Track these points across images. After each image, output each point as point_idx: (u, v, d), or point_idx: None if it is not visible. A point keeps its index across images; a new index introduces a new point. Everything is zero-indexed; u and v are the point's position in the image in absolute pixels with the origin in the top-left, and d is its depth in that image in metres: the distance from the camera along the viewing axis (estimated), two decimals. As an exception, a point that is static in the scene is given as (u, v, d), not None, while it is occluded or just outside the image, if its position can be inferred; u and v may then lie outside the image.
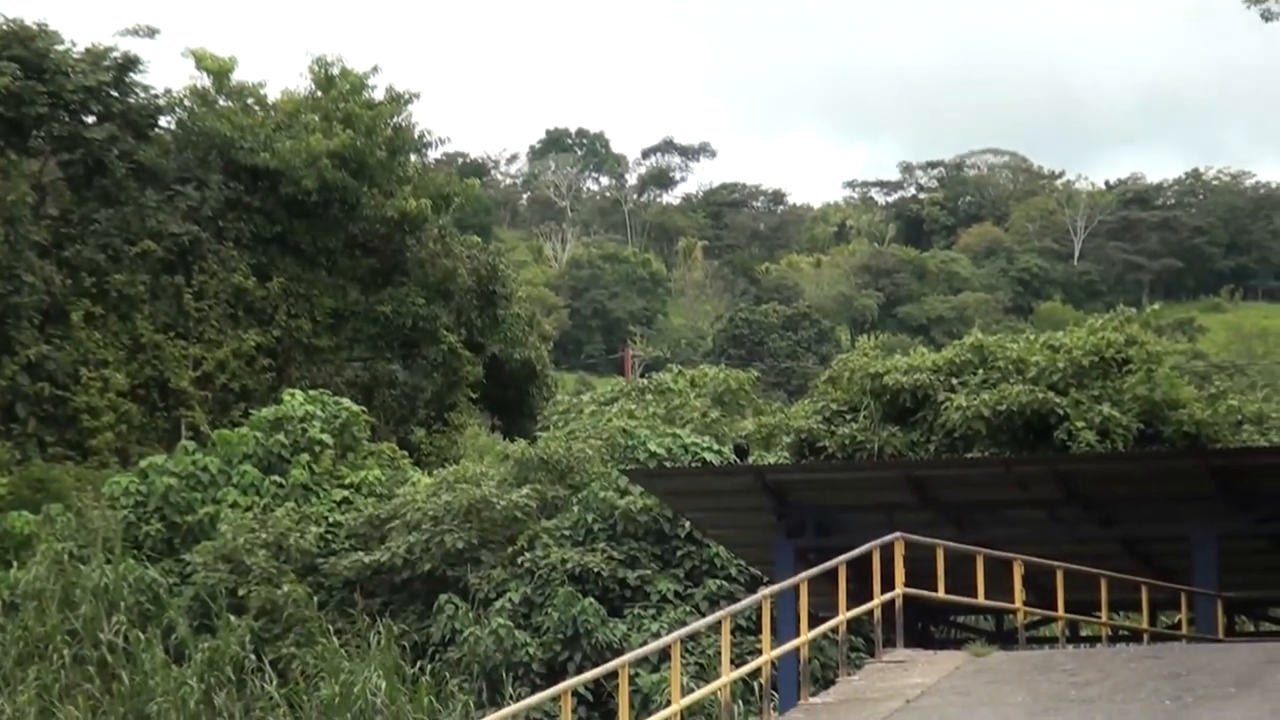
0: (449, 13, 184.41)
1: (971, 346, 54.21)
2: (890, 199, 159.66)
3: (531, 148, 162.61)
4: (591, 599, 45.60)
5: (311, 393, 54.59)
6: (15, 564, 49.34)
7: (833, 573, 30.53)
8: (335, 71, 64.84)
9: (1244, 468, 41.11)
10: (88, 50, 61.95)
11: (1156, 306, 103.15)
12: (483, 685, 44.51)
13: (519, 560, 47.02)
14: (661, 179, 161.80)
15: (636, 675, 31.29)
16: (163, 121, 63.52)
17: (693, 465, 49.05)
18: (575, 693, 26.66)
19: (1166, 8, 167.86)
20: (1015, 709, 27.31)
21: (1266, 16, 55.76)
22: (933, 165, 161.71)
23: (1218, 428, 52.01)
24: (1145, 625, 37.99)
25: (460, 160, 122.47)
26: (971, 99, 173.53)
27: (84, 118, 61.22)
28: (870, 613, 31.08)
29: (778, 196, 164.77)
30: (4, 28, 60.59)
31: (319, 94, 64.60)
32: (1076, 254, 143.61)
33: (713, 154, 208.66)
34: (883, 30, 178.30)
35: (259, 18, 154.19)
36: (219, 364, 60.44)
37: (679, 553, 46.97)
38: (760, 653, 30.58)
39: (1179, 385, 53.00)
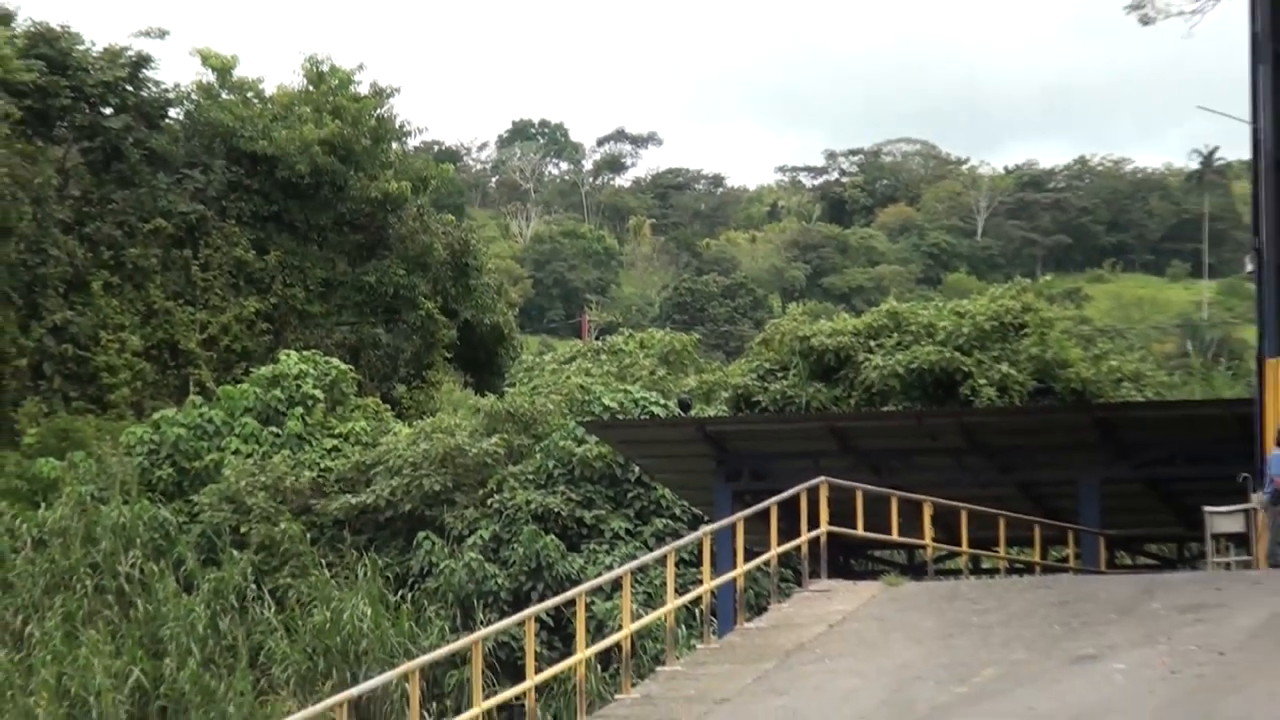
0: (426, 15, 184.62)
1: (887, 313, 54.30)
2: (816, 182, 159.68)
3: (499, 136, 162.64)
4: (552, 536, 45.56)
5: (304, 353, 54.49)
6: (43, 504, 49.24)
7: (765, 513, 30.40)
8: (325, 68, 64.60)
9: (1123, 420, 41.21)
10: (106, 49, 61.68)
11: (1048, 278, 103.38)
12: (457, 612, 44.47)
13: (488, 501, 46.96)
14: (614, 164, 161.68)
15: (592, 603, 31.23)
16: (172, 112, 63.30)
17: (642, 417, 48.99)
18: (538, 619, 26.50)
19: (1061, 13, 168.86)
20: (924, 633, 27.27)
21: (1144, 21, 55.84)
22: (854, 153, 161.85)
23: (1101, 385, 52.13)
24: (1038, 559, 37.91)
25: (436, 147, 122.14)
26: (889, 93, 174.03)
27: (102, 109, 60.98)
28: (798, 548, 30.94)
29: (717, 180, 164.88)
30: (32, 30, 60.37)
31: (311, 88, 64.35)
32: (979, 231, 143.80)
33: (660, 142, 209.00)
34: (812, 30, 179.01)
35: (258, 19, 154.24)
36: (223, 328, 60.22)
37: (629, 495, 46.91)
38: (701, 583, 30.44)
39: (1068, 347, 53.09)
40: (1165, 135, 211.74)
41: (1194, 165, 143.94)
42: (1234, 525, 33.90)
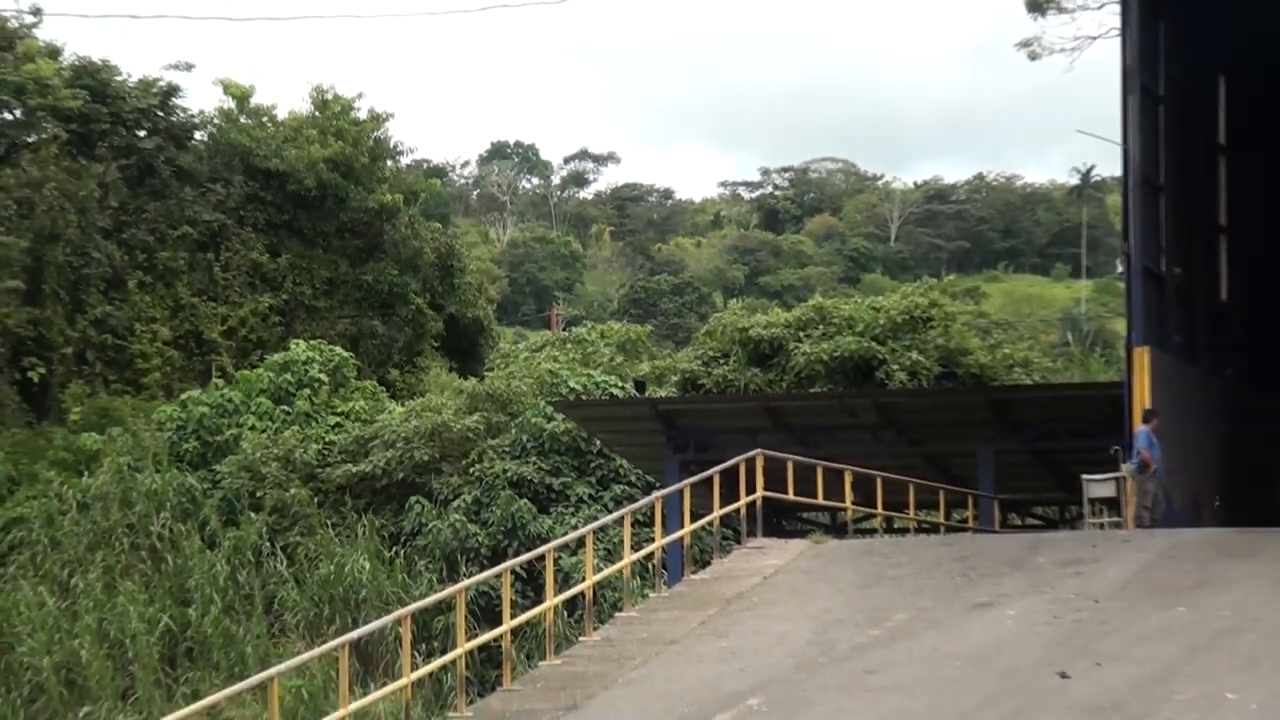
0: (418, 49, 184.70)
1: (814, 308, 54.38)
2: (753, 195, 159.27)
3: (480, 155, 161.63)
4: (525, 500, 45.53)
5: (311, 342, 54.42)
6: (86, 473, 49.16)
7: (709, 480, 30.44)
8: (329, 96, 64.39)
9: (1014, 400, 41.40)
10: (140, 80, 61.47)
11: (951, 278, 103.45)
12: (443, 566, 44.43)
13: (470, 470, 46.91)
14: (578, 180, 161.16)
15: (560, 558, 31.29)
16: (197, 134, 63.03)
17: (602, 398, 48.98)
18: (513, 572, 26.50)
19: (963, 48, 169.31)
20: (845, 583, 27.34)
21: (1033, 56, 56.15)
22: (785, 170, 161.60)
23: (995, 369, 52.34)
24: (942, 520, 38.06)
25: (425, 165, 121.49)
26: (816, 118, 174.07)
27: (137, 132, 60.77)
28: (737, 510, 30.99)
29: (667, 193, 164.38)
30: (76, 63, 60.16)
31: (317, 113, 64.13)
32: (893, 237, 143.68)
33: (618, 160, 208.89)
34: (748, 62, 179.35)
35: (272, 53, 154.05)
36: (241, 320, 60.05)
37: (592, 464, 46.89)
38: (653, 541, 30.46)
39: (967, 337, 53.28)
40: (1050, 155, 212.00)
41: (1074, 181, 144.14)
42: (1107, 491, 34.07)
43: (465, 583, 26.81)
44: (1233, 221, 41.63)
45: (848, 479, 34.22)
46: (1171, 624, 23.51)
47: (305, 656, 25.45)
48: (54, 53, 59.94)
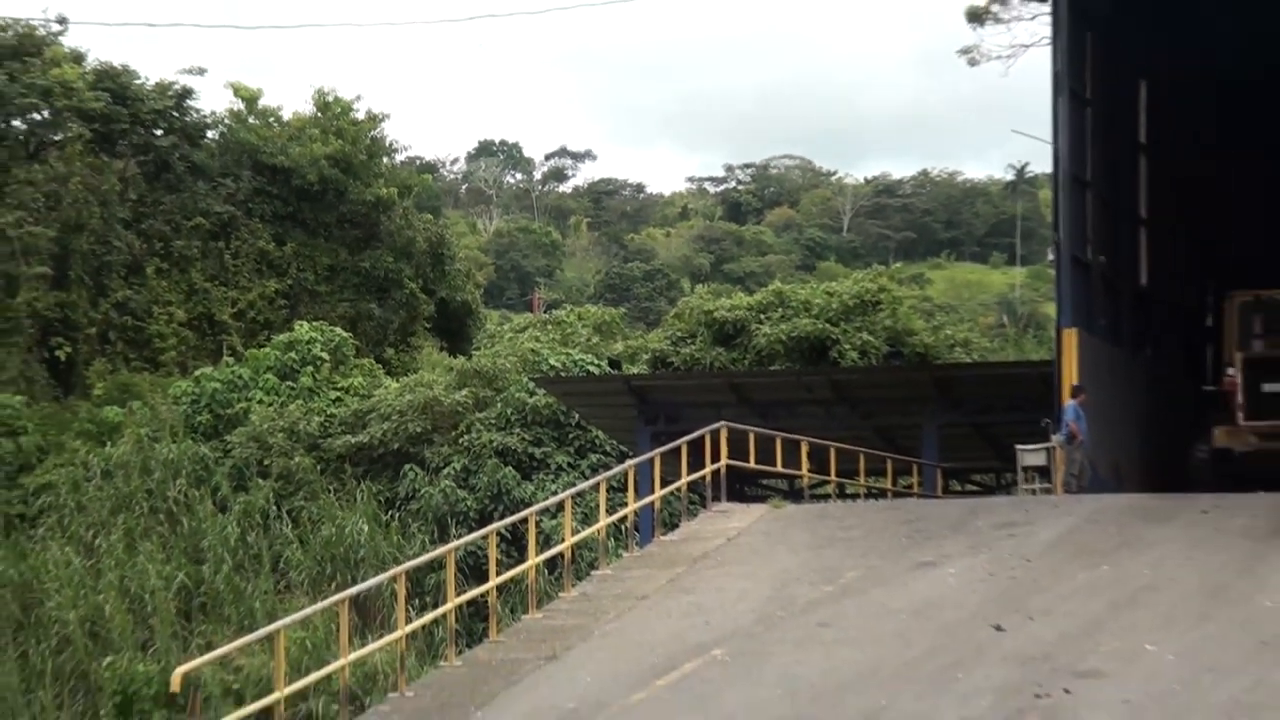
0: (412, 56, 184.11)
1: (773, 292, 54.42)
2: (718, 190, 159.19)
3: (468, 152, 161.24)
4: (510, 468, 45.54)
5: (314, 324, 54.36)
6: (108, 443, 49.14)
7: (677, 450, 30.44)
8: (330, 98, 64.27)
9: (955, 377, 41.39)
10: (157, 84, 61.31)
11: (898, 265, 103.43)
12: (434, 528, 44.41)
13: (459, 440, 46.89)
14: (559, 175, 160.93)
15: (541, 521, 31.34)
16: (209, 133, 62.93)
17: (580, 374, 48.97)
18: (499, 533, 26.47)
19: (911, 53, 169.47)
20: (801, 544, 27.37)
21: (972, 62, 56.26)
22: (747, 166, 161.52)
23: (938, 349, 52.38)
24: (890, 486, 38.10)
25: (418, 161, 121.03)
26: (776, 119, 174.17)
27: (154, 131, 60.62)
28: (703, 477, 31.01)
29: (639, 188, 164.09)
30: (98, 68, 59.99)
31: (319, 114, 64.02)
32: (845, 228, 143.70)
33: (595, 158, 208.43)
34: (714, 68, 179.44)
35: (278, 59, 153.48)
36: (249, 303, 59.97)
37: (570, 435, 46.89)
38: (626, 505, 30.47)
39: (913, 320, 53.29)
40: (988, 153, 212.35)
41: (1010, 177, 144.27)
42: (1038, 460, 34.12)
43: (455, 543, 26.79)
44: (1151, 215, 41.70)
45: (804, 449, 34.26)
46: (1096, 582, 23.59)
47: (309, 611, 25.40)
48: (78, 58, 59.77)
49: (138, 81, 60.78)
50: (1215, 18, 40.83)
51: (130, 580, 42.88)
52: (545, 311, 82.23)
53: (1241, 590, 22.68)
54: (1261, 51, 41.84)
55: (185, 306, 58.74)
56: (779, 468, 34.40)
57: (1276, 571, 23.43)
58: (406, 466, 46.59)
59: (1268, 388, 35.61)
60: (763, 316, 51.78)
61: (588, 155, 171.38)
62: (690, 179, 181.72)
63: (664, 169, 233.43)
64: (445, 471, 45.93)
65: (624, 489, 31.75)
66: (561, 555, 27.21)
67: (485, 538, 26.35)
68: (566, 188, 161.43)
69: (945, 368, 45.45)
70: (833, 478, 35.63)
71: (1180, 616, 21.68)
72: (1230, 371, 36.44)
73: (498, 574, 25.22)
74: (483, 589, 25.12)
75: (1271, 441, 34.78)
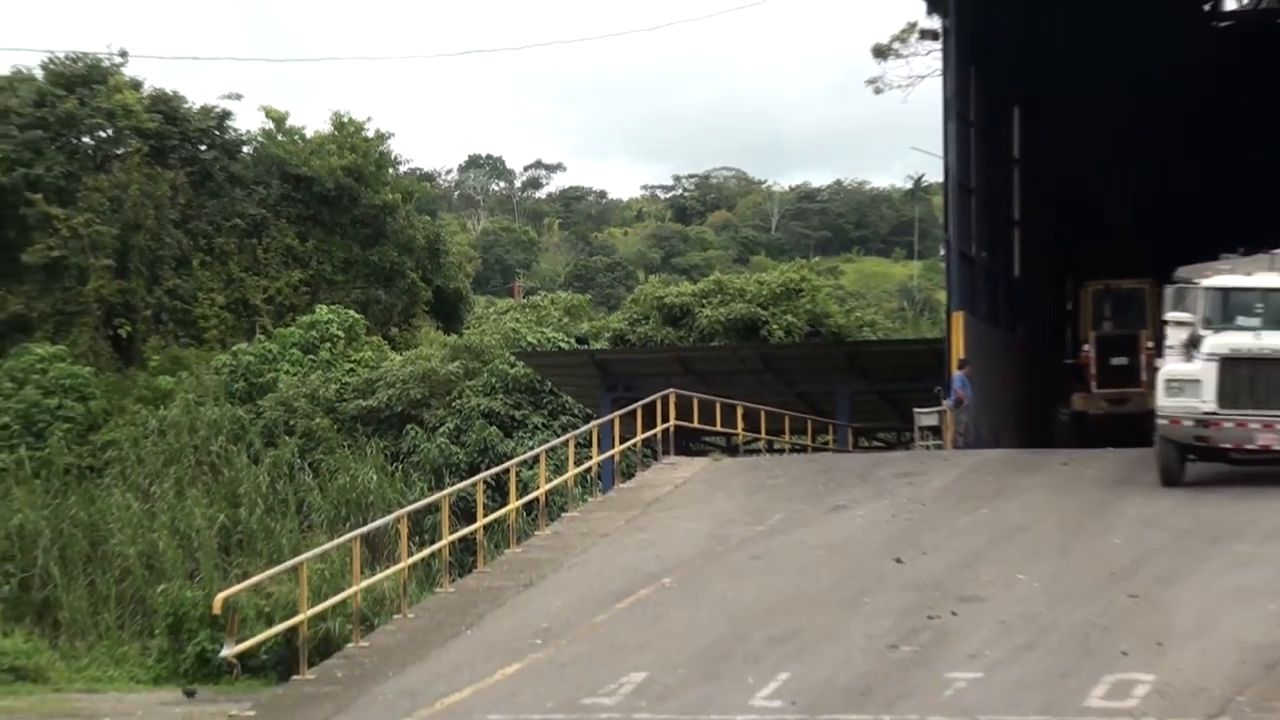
0: (414, 83, 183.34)
1: (713, 281, 54.48)
2: (667, 196, 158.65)
3: (459, 164, 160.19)
4: (494, 427, 45.40)
5: (331, 307, 54.15)
6: (162, 407, 48.82)
7: (633, 412, 30.44)
8: (345, 119, 63.83)
9: (864, 352, 41.47)
10: (201, 107, 60.81)
11: (817, 259, 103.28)
12: (431, 477, 44.22)
13: (452, 404, 46.73)
14: (535, 184, 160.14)
15: (520, 471, 31.25)
16: (245, 148, 62.36)
17: (552, 349, 48.84)
18: (485, 482, 26.38)
19: (828, 81, 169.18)
20: (736, 491, 27.31)
21: (877, 90, 56.30)
22: (692, 176, 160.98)
23: (850, 329, 52.45)
24: (809, 443, 38.13)
25: (417, 171, 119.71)
26: (716, 135, 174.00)
27: (199, 146, 60.11)
28: (655, 435, 30.99)
29: (602, 194, 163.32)
30: (153, 93, 59.52)
31: (336, 132, 63.56)
32: (773, 228, 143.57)
33: (565, 169, 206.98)
34: (665, 92, 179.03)
35: (303, 86, 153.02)
36: (278, 290, 59.56)
37: (544, 400, 46.77)
38: (591, 458, 30.45)
39: (829, 304, 53.30)
40: (891, 165, 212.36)
41: (909, 186, 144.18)
42: (931, 421, 34.17)
43: (448, 490, 26.71)
44: (1022, 217, 41.81)
45: (739, 411, 34.27)
46: (977, 522, 23.63)
47: (327, 546, 25.27)
48: (136, 85, 59.29)
49: (186, 105, 60.28)
50: (1071, 55, 41.09)
51: (179, 521, 42.69)
52: (524, 297, 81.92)
53: (1094, 529, 22.76)
54: (1105, 78, 42.18)
55: (224, 293, 58.34)
56: (718, 427, 34.40)
57: (1122, 514, 23.52)
58: (408, 426, 46.43)
59: (1115, 361, 35.83)
60: (704, 301, 51.74)
61: (559, 167, 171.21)
62: (644, 187, 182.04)
63: (622, 178, 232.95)
64: (440, 430, 45.79)
65: (589, 445, 31.71)
66: (537, 500, 27.15)
67: (474, 485, 26.28)
68: (541, 194, 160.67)
69: (855, 344, 45.50)
70: (763, 435, 35.65)
71: (1045, 550, 21.74)
72: (1085, 348, 36.64)
73: (484, 515, 25.14)
74: (472, 528, 25.06)
75: (1118, 405, 34.96)
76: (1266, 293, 25.17)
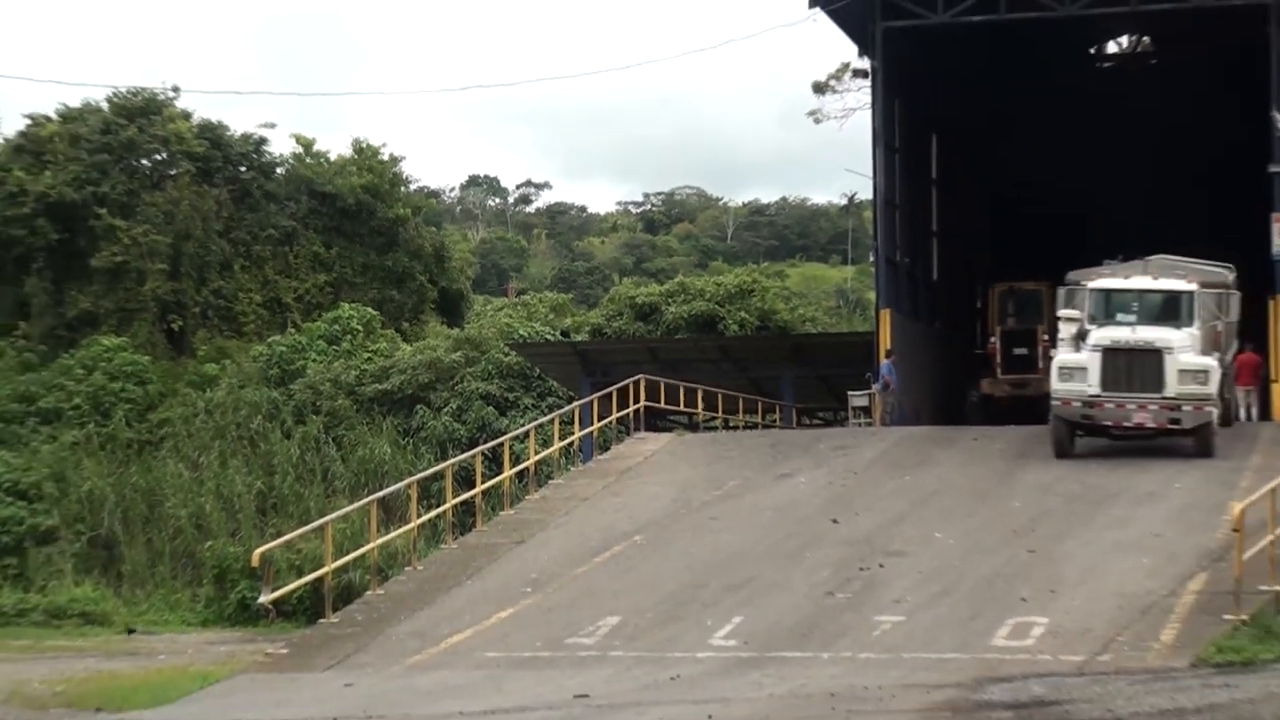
0: (422, 113, 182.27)
1: (678, 283, 54.31)
2: (638, 210, 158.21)
3: (460, 183, 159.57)
4: (491, 407, 45.08)
5: (352, 305, 53.73)
6: (208, 390, 48.36)
7: (609, 395, 30.34)
8: (364, 145, 63.20)
9: (806, 344, 41.38)
10: (241, 134, 60.18)
11: (766, 264, 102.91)
12: (437, 450, 43.78)
13: (455, 388, 46.37)
14: (525, 200, 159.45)
15: (513, 445, 31.06)
16: (278, 169, 61.79)
17: (540, 341, 48.62)
18: (483, 454, 26.25)
19: (775, 112, 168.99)
20: (697, 462, 27.28)
21: (817, 121, 56.38)
22: (659, 193, 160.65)
23: (794, 323, 52.27)
24: (760, 421, 38.08)
25: (425, 189, 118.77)
26: (680, 157, 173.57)
27: (240, 168, 59.51)
28: (628, 414, 30.92)
29: (583, 209, 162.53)
30: (200, 121, 58.96)
31: (356, 155, 63.03)
32: (729, 238, 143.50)
33: (551, 187, 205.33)
34: (637, 120, 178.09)
35: (328, 115, 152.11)
36: (306, 290, 59.03)
37: (534, 384, 46.42)
38: (574, 434, 30.37)
39: (776, 303, 53.09)
40: (830, 184, 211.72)
41: (844, 202, 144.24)
42: (863, 401, 34.20)
43: (451, 461, 26.64)
44: (939, 228, 41.82)
45: (699, 394, 34.22)
46: (901, 488, 23.65)
47: (348, 509, 25.20)
48: (187, 116, 58.71)
49: (228, 132, 59.69)
50: (979, 90, 41.10)
51: (223, 487, 42.41)
52: (516, 296, 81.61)
53: (999, 494, 22.80)
54: (1008, 111, 42.21)
55: (261, 292, 57.84)
56: (682, 407, 34.36)
57: (1022, 481, 23.56)
58: (417, 406, 46.10)
59: (1017, 352, 35.91)
60: (670, 300, 51.55)
61: (546, 185, 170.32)
62: (618, 202, 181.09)
63: (600, 195, 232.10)
64: (445, 410, 45.50)
65: (572, 422, 31.63)
66: (527, 469, 27.11)
67: (473, 457, 26.20)
68: (531, 209, 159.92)
69: (798, 337, 45.41)
70: (720, 415, 35.61)
71: (957, 512, 21.77)
72: (992, 340, 36.72)
73: (482, 482, 25.08)
74: (472, 493, 24.99)
75: (1019, 389, 35.02)
76: (1141, 293, 25.42)
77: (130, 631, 34.61)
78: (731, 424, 37.61)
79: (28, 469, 42.96)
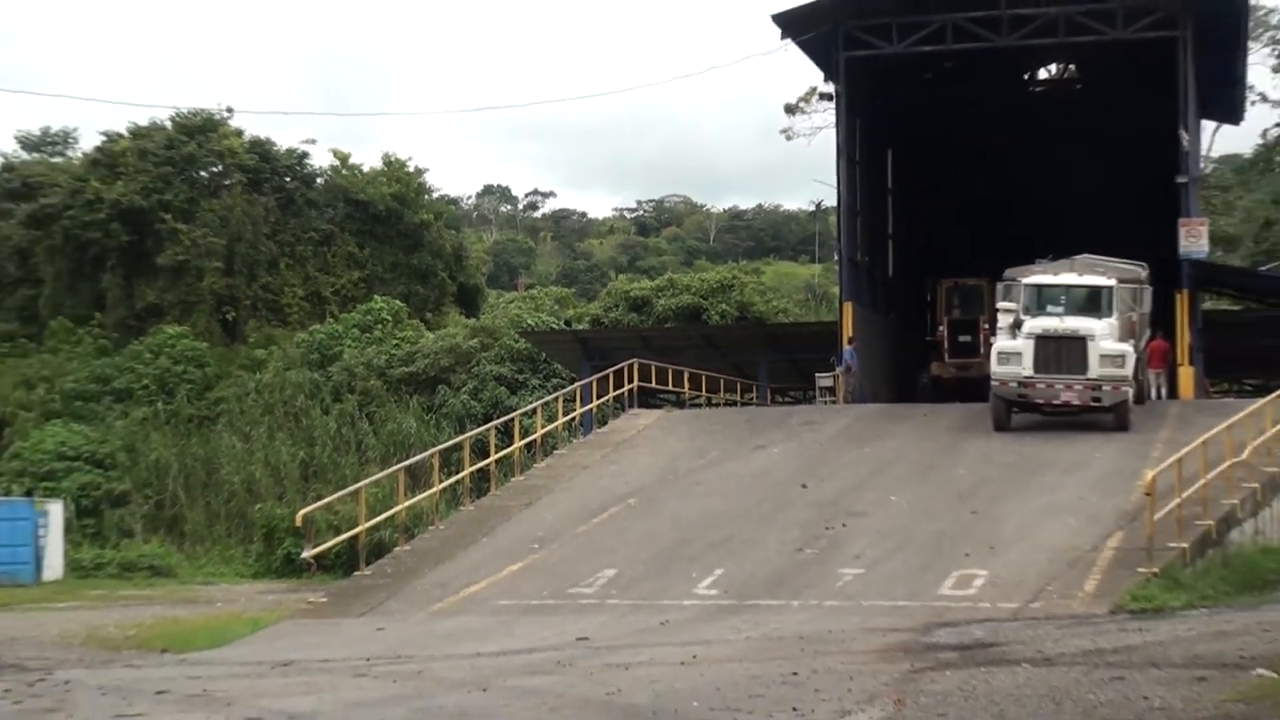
0: (444, 129, 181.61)
1: (667, 279, 54.41)
2: (632, 215, 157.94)
3: (476, 192, 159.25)
4: (503, 387, 44.99)
5: (382, 298, 53.65)
6: (258, 372, 48.27)
7: (607, 376, 30.29)
8: (393, 159, 63.07)
9: (779, 332, 41.28)
10: (286, 149, 60.03)
11: (744, 263, 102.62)
12: (456, 424, 43.66)
13: (472, 370, 46.27)
14: (533, 206, 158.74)
15: (522, 420, 30.98)
16: (318, 180, 61.61)
17: (546, 330, 48.51)
18: (496, 428, 26.25)
19: (753, 128, 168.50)
20: (683, 435, 27.25)
21: (789, 138, 56.29)
22: (650, 200, 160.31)
23: (769, 314, 52.26)
24: (739, 399, 38.02)
25: (445, 197, 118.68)
26: (669, 167, 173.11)
27: (285, 179, 59.34)
28: (623, 393, 30.88)
29: (584, 214, 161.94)
30: (251, 139, 58.73)
31: (386, 168, 62.85)
32: (711, 240, 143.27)
33: (555, 195, 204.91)
34: (631, 134, 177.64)
35: (363, 132, 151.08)
36: (342, 286, 58.88)
37: (541, 367, 46.29)
38: (575, 410, 30.32)
39: (754, 296, 53.07)
40: (800, 193, 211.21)
41: (811, 208, 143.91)
42: (828, 382, 34.18)
43: (469, 434, 26.61)
44: (895, 232, 41.77)
45: (686, 376, 34.16)
46: (861, 458, 23.64)
47: (379, 475, 25.16)
48: (239, 133, 58.54)
49: (275, 148, 59.48)
50: (929, 109, 41.03)
51: (271, 457, 42.35)
52: (525, 291, 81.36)
53: (946, 464, 22.80)
54: (954, 128, 42.14)
55: (303, 287, 57.70)
56: (670, 387, 34.30)
57: (966, 452, 23.56)
58: (439, 386, 46.02)
59: (961, 339, 35.93)
60: (660, 294, 51.53)
61: (551, 194, 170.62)
62: (615, 209, 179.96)
63: (599, 202, 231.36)
64: (463, 389, 45.43)
65: (574, 400, 31.60)
66: (535, 441, 27.06)
67: (488, 430, 26.18)
68: (538, 214, 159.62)
69: (773, 326, 45.35)
70: (704, 394, 35.57)
71: (910, 478, 21.77)
72: (940, 329, 36.68)
73: (495, 453, 25.08)
74: (486, 462, 24.97)
75: (964, 372, 35.02)
76: (1069, 288, 25.50)
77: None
78: (714, 402, 37.61)
79: (103, 441, 42.94)
